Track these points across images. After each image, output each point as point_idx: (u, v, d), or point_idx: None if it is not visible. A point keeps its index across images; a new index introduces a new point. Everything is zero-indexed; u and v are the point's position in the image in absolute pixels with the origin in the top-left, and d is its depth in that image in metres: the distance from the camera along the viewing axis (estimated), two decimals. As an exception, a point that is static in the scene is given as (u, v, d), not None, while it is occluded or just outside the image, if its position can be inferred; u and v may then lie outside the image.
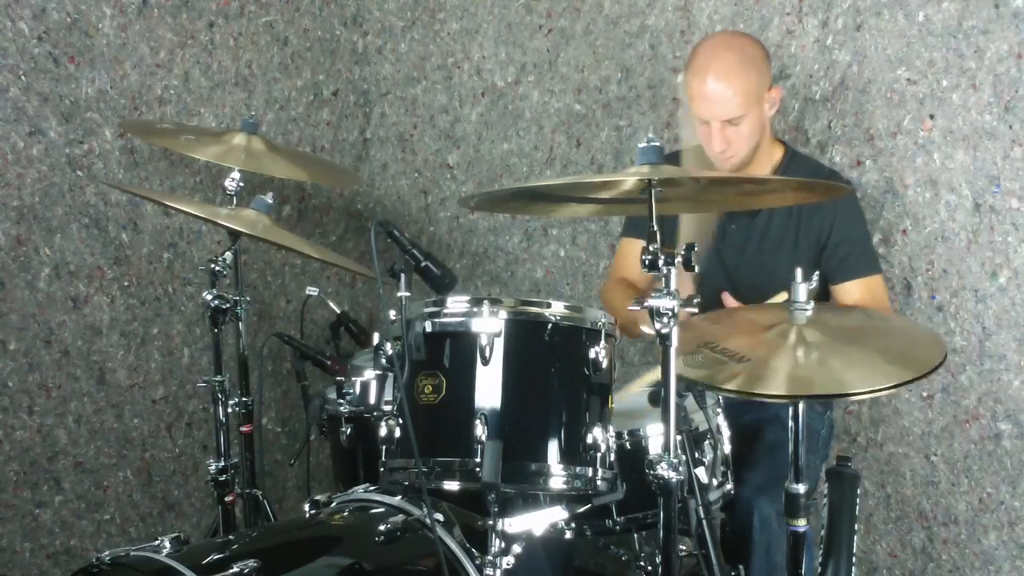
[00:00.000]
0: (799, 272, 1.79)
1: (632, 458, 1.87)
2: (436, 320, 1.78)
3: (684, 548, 2.01)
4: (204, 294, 2.46)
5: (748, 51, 2.37)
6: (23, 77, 2.70)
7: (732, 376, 1.70)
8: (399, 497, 1.97)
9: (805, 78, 2.73)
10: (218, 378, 2.51)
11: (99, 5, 2.83)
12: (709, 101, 2.31)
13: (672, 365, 1.61)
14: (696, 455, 1.89)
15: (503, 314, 1.74)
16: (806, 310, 1.78)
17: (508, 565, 1.76)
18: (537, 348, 1.76)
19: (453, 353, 1.77)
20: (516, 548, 1.78)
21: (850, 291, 2.40)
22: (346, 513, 1.99)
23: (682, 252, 1.61)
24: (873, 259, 2.47)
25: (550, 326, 1.76)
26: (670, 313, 1.59)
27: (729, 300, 2.32)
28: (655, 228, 1.66)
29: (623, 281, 2.65)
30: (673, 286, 1.61)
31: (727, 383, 1.69)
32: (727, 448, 2.06)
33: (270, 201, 2.44)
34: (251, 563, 1.66)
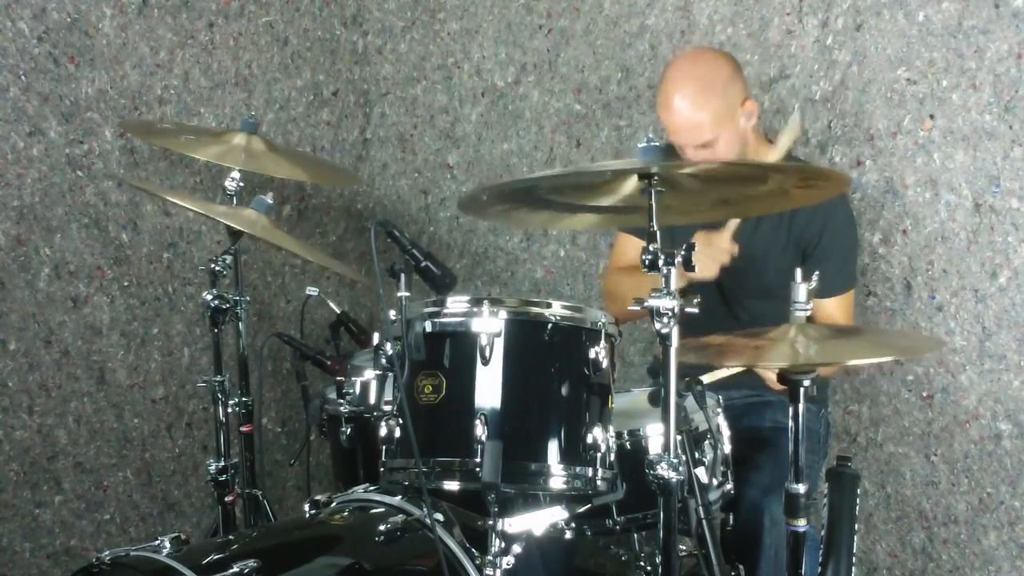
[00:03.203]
0: (799, 272, 1.79)
1: (632, 458, 1.87)
2: (436, 320, 1.78)
3: (684, 548, 2.01)
4: (204, 294, 2.46)
5: (711, 75, 2.34)
6: (23, 77, 2.70)
7: (735, 357, 1.71)
8: (399, 497, 1.97)
9: (805, 78, 2.73)
10: (218, 378, 2.51)
11: (99, 5, 2.83)
12: (679, 131, 2.33)
13: (672, 365, 1.61)
14: (696, 455, 1.89)
15: (503, 314, 1.74)
16: (806, 310, 1.78)
17: (508, 565, 1.76)
18: (537, 348, 1.76)
19: (453, 353, 1.77)
20: (516, 548, 1.78)
21: (825, 307, 2.39)
22: (346, 513, 1.99)
23: (682, 252, 1.61)
24: (852, 274, 2.48)
25: (550, 326, 1.76)
26: (670, 313, 1.59)
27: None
28: (655, 228, 1.66)
29: (626, 268, 2.63)
30: (673, 286, 1.61)
31: (730, 363, 1.70)
32: (727, 448, 2.06)
33: (270, 201, 2.44)
34: (251, 563, 1.66)
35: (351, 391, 1.96)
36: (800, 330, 1.75)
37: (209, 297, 2.45)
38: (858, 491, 1.89)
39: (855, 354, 1.72)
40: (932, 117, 2.55)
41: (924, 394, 2.65)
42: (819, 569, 1.89)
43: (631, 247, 2.58)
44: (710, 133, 2.30)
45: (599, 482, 1.76)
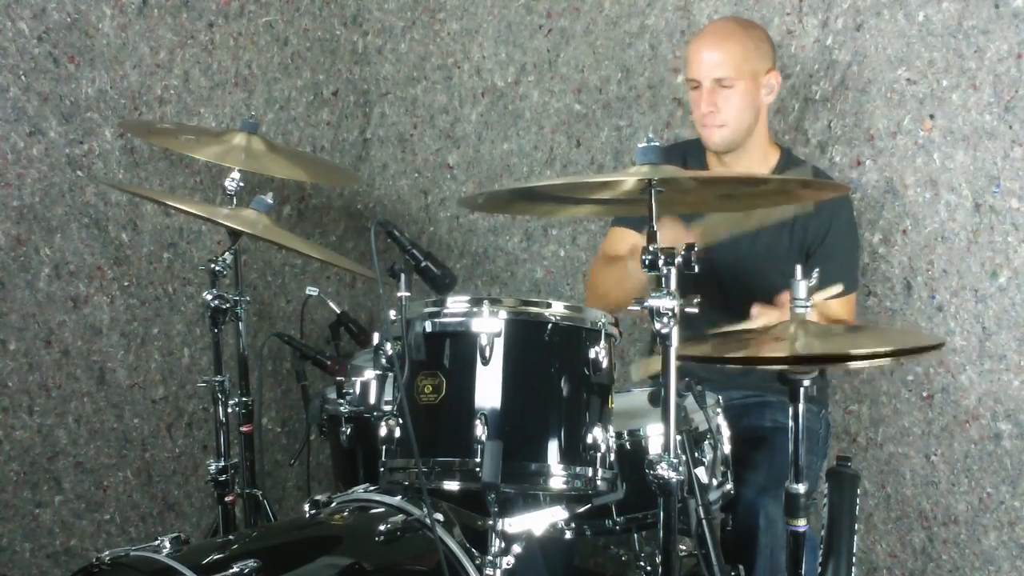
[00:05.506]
0: (799, 269, 1.79)
1: (632, 458, 1.87)
2: (436, 320, 1.78)
3: (684, 548, 2.01)
4: (204, 294, 2.46)
5: (749, 28, 2.44)
6: (23, 77, 2.70)
7: (735, 349, 1.71)
8: (399, 497, 1.97)
9: (805, 78, 2.73)
10: (218, 378, 2.51)
11: (99, 5, 2.83)
12: (701, 60, 2.38)
13: (672, 365, 1.61)
14: (696, 455, 1.89)
15: (503, 314, 1.74)
16: (807, 308, 1.78)
17: (508, 565, 1.76)
18: (537, 348, 1.76)
19: (453, 353, 1.77)
20: (516, 548, 1.78)
21: (828, 308, 2.38)
22: (346, 513, 1.99)
23: (682, 252, 1.61)
24: (855, 277, 2.49)
25: (550, 326, 1.76)
26: (670, 313, 1.59)
27: (758, 309, 2.20)
28: (655, 228, 1.66)
29: (611, 257, 2.61)
30: (673, 286, 1.61)
31: (730, 355, 1.70)
32: (727, 448, 2.06)
33: (270, 201, 2.44)
34: (251, 563, 1.66)
35: (351, 391, 1.96)
36: (800, 327, 1.75)
37: (209, 297, 2.45)
38: (858, 491, 1.89)
39: (855, 346, 1.70)
40: (932, 117, 2.55)
41: (924, 394, 2.65)
42: (819, 569, 1.89)
43: (622, 241, 2.58)
44: (732, 71, 2.34)
45: (599, 482, 1.76)
